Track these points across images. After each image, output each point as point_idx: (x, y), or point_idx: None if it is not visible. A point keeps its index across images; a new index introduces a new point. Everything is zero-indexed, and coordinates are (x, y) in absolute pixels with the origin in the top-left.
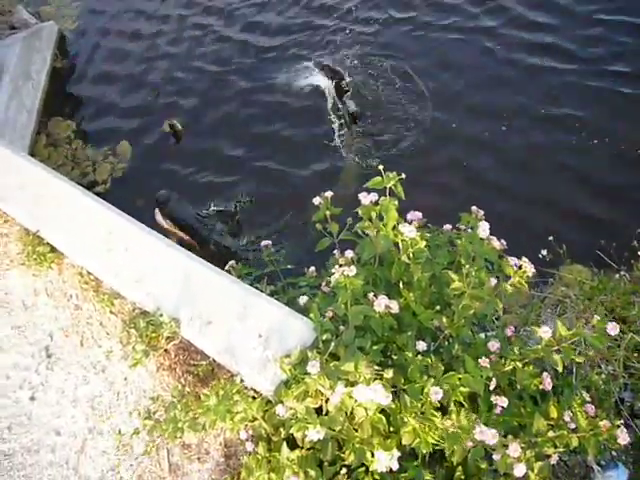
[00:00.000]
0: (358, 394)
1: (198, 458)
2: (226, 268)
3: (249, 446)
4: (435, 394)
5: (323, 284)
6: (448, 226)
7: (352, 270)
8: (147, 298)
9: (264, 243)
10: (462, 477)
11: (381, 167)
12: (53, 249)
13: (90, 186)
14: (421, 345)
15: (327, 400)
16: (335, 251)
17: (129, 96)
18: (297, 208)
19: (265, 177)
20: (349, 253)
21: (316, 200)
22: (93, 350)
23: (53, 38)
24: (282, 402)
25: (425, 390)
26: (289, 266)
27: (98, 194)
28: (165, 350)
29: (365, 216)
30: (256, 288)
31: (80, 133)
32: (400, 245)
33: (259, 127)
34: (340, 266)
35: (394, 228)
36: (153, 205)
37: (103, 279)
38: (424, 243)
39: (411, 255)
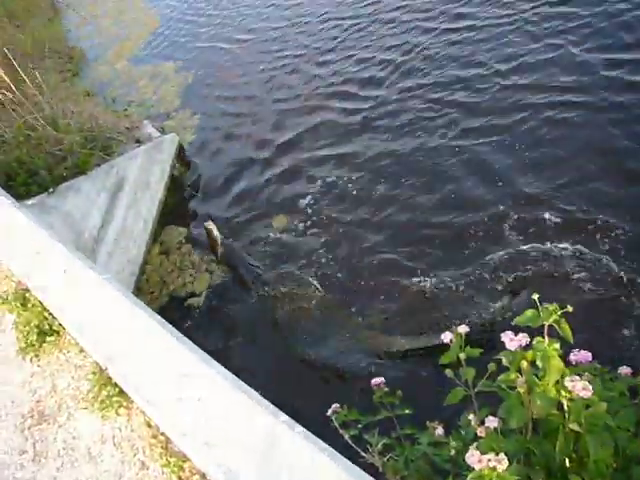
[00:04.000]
0: None
1: None
2: (329, 413)
3: None
4: None
5: (452, 451)
6: (626, 369)
7: (503, 461)
8: (218, 471)
9: (376, 381)
10: None
11: (536, 296)
12: (121, 391)
13: (187, 297)
14: None
15: None
16: (471, 416)
17: (240, 208)
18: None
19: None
20: (492, 421)
21: (446, 336)
22: None
23: (173, 149)
24: None
25: None
26: (407, 411)
27: (189, 307)
28: None
29: (512, 366)
30: (365, 440)
31: (190, 239)
32: (566, 406)
33: None
34: (479, 449)
35: (557, 383)
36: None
37: (170, 435)
38: (604, 405)
39: (583, 421)
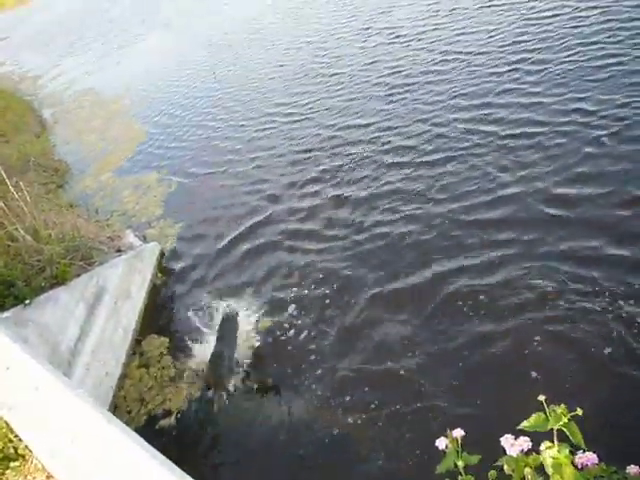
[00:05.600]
0: None
1: None
2: None
3: None
4: None
5: None
6: (635, 468)
7: None
8: None
9: None
10: None
11: (542, 397)
12: None
13: (165, 415)
14: None
15: None
16: None
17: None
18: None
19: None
20: None
21: (441, 442)
22: None
23: (154, 258)
24: None
25: None
26: None
27: (162, 429)
28: None
29: (515, 475)
30: None
31: (172, 350)
32: None
33: None
34: None
35: None
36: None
37: None
38: None
39: None
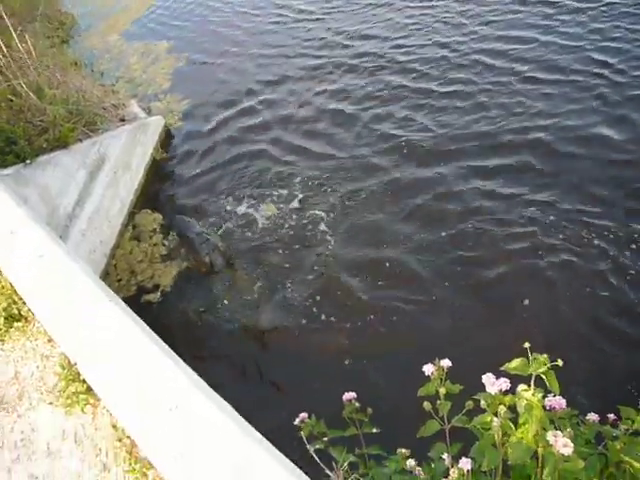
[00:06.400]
0: None
1: None
2: (296, 422)
3: None
4: None
5: None
6: (594, 415)
7: None
8: None
9: (347, 396)
10: None
11: (527, 345)
12: (89, 388)
13: (151, 290)
14: None
15: None
16: (445, 455)
17: (221, 197)
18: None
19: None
20: (465, 463)
21: (428, 368)
22: None
23: (158, 132)
24: None
25: None
26: (374, 430)
27: (150, 303)
28: None
29: (490, 409)
30: (330, 455)
31: (164, 227)
32: (541, 456)
33: None
34: None
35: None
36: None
37: (136, 440)
38: (582, 463)
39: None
